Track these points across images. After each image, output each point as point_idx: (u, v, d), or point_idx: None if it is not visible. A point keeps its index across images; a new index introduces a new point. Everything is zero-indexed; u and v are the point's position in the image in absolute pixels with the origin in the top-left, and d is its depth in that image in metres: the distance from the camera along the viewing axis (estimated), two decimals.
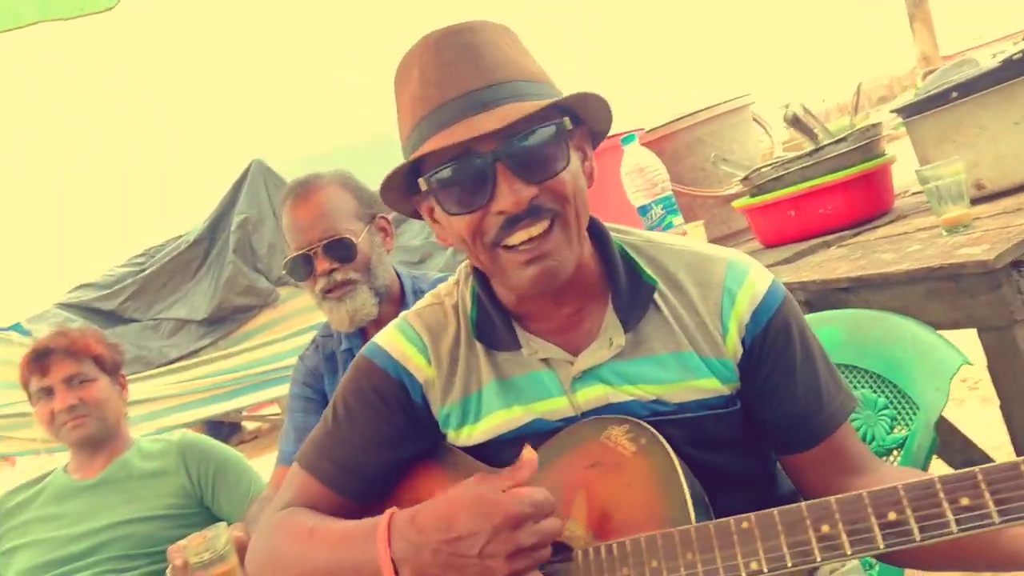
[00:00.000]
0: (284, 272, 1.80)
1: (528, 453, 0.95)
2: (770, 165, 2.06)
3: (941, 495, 0.78)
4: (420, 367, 1.09)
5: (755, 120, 2.68)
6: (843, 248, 1.79)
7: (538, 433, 1.04)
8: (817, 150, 1.97)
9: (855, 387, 1.41)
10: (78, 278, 8.45)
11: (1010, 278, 1.26)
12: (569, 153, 0.96)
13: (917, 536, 0.78)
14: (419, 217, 1.06)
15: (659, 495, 0.94)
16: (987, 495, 0.76)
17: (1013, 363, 1.32)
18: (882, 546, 0.80)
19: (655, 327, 1.03)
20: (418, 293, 1.82)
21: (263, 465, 1.82)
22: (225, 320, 7.68)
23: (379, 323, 1.76)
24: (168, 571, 1.47)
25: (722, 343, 1.02)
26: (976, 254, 1.27)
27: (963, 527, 0.76)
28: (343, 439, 1.10)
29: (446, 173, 0.94)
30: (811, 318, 1.54)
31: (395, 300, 1.80)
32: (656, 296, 1.04)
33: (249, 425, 9.53)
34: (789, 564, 0.83)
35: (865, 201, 2.00)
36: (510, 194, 0.92)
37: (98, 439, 1.90)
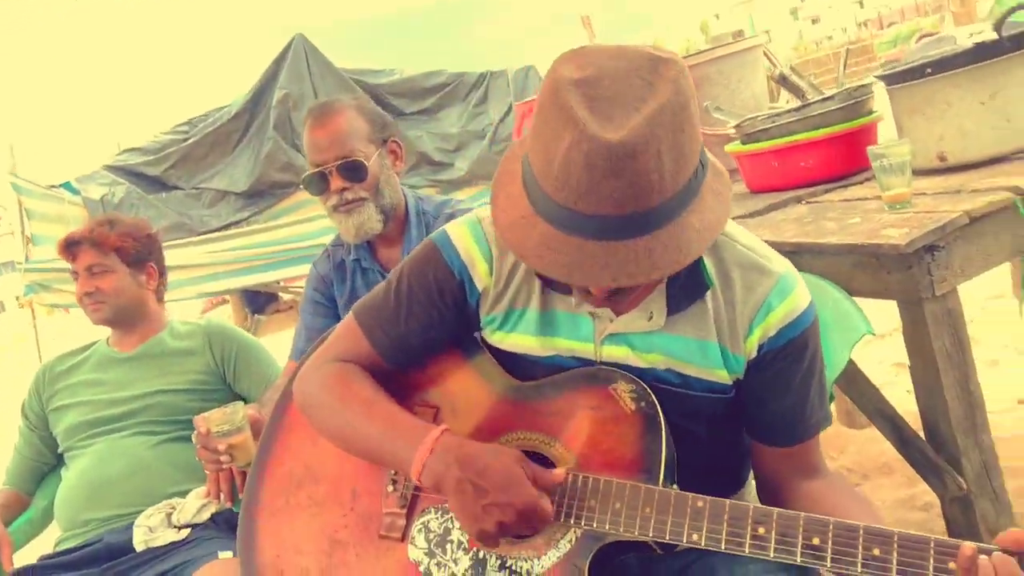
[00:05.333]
0: (301, 187, 2.00)
1: (562, 475, 1.10)
2: (759, 116, 2.17)
3: (860, 540, 0.92)
4: (482, 276, 1.19)
5: (767, 56, 2.74)
6: (806, 207, 1.93)
7: (558, 366, 1.19)
8: (804, 106, 2.08)
9: None
10: (127, 142, 8.72)
11: (921, 261, 1.42)
12: None
13: (828, 563, 0.93)
14: None
15: (641, 455, 1.09)
16: (895, 554, 0.90)
17: (921, 332, 1.50)
18: (799, 560, 0.95)
19: (696, 315, 1.13)
20: (421, 214, 2.01)
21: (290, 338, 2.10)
22: (263, 194, 7.95)
23: (384, 238, 1.97)
24: (193, 436, 1.76)
25: (743, 342, 1.13)
26: (893, 237, 1.42)
27: (866, 570, 0.91)
28: (399, 315, 1.23)
29: None
30: None
31: (400, 218, 2.00)
32: (708, 294, 1.12)
33: (285, 295, 9.98)
34: (723, 547, 1.00)
35: (845, 158, 2.12)
36: None
37: (115, 321, 2.16)
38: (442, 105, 8.76)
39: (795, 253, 1.67)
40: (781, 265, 1.15)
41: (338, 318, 1.93)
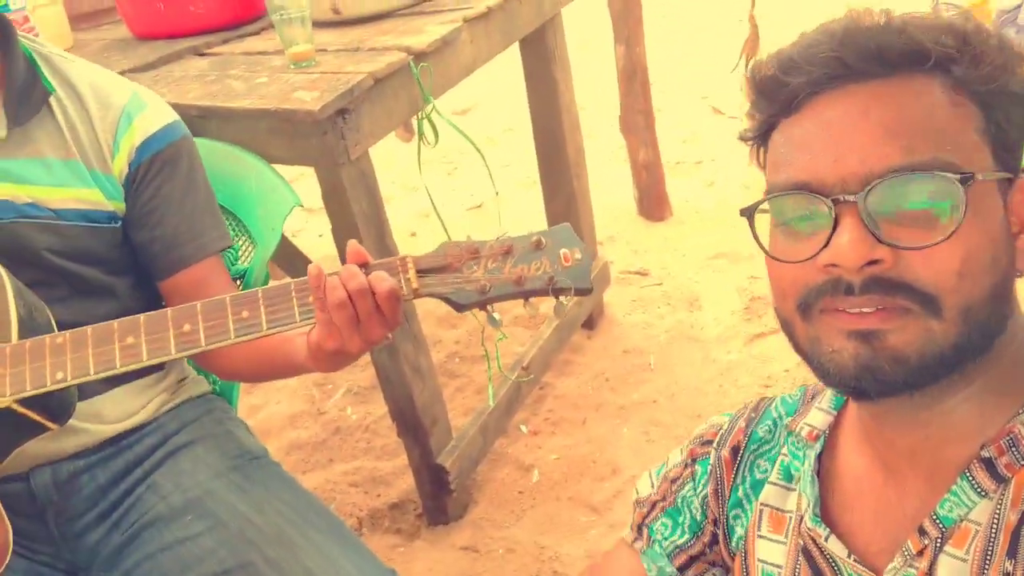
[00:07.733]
0: None
1: None
2: None
3: (227, 309, 0.90)
4: None
5: None
6: (205, 61, 1.74)
7: None
8: None
9: None
10: None
11: (335, 126, 1.39)
12: None
13: (203, 343, 0.89)
14: None
15: None
16: (262, 309, 0.89)
17: (340, 198, 1.50)
18: (174, 352, 0.90)
19: (47, 131, 1.06)
20: None
21: None
22: None
23: None
24: None
25: (111, 160, 1.09)
26: (306, 102, 1.36)
27: (239, 334, 0.89)
28: None
29: None
30: None
31: None
32: (52, 101, 1.07)
33: None
34: (92, 372, 0.91)
35: (238, 4, 1.95)
36: None
37: None
38: None
39: (203, 118, 1.50)
40: (135, 85, 1.15)
41: None
